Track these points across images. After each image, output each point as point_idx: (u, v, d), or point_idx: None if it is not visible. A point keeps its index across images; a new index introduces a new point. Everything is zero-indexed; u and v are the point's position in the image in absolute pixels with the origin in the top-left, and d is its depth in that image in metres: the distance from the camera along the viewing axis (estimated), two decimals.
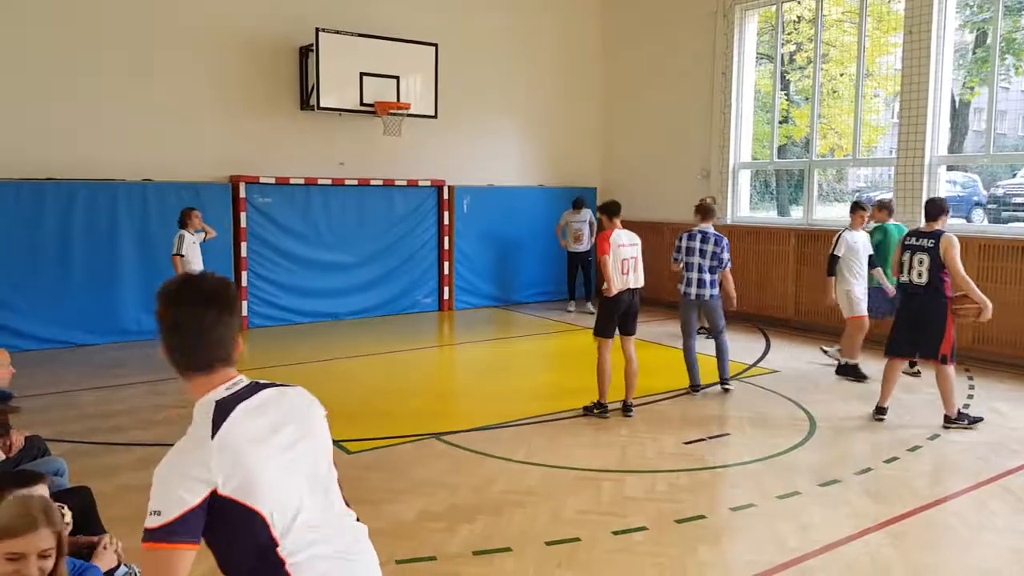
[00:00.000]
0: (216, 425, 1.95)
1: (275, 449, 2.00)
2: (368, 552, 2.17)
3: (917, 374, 8.41)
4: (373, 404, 7.47)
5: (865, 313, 8.33)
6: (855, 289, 8.28)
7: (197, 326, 2.03)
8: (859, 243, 8.28)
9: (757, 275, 11.92)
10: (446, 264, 12.82)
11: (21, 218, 9.36)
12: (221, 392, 2.05)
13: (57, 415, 6.96)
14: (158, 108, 10.40)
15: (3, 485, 2.78)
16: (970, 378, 8.44)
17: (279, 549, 1.93)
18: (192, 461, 1.90)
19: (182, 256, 8.58)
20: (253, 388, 2.11)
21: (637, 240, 7.16)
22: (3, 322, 9.03)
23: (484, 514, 4.85)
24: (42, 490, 2.84)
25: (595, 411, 7.03)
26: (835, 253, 8.22)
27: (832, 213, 15.37)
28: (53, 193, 9.61)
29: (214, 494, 1.86)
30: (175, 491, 1.85)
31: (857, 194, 16.19)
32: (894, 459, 5.90)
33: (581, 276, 12.67)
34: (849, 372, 8.40)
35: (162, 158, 10.45)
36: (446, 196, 12.74)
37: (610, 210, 7.24)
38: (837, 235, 8.32)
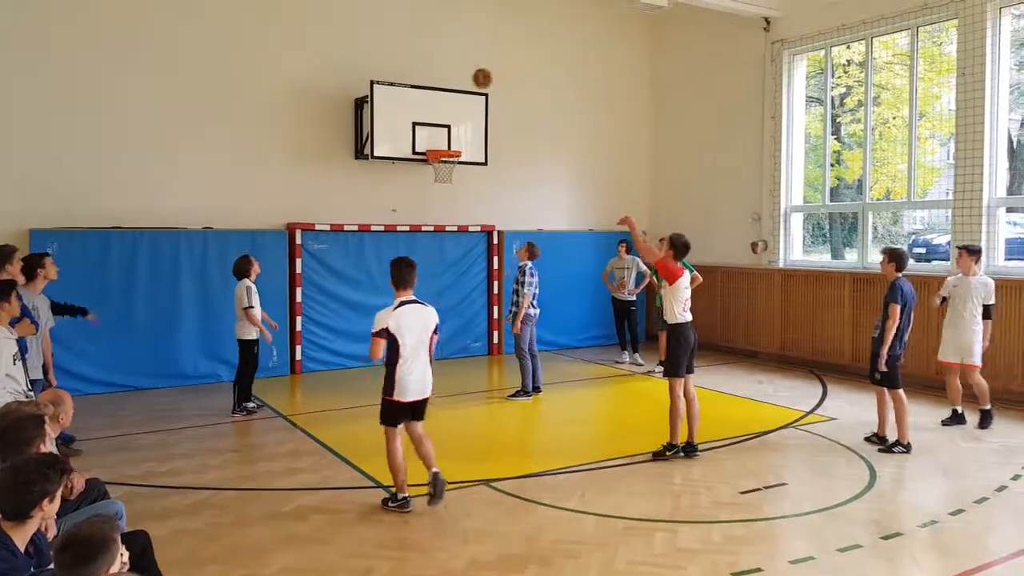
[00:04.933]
0: (396, 308, 5.63)
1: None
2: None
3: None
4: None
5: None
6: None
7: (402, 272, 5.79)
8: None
9: (812, 319, 11.71)
10: (496, 308, 12.87)
11: (88, 265, 9.71)
12: (404, 299, 5.70)
13: (116, 458, 7.11)
14: (218, 158, 10.78)
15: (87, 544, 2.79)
16: None
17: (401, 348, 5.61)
18: (384, 316, 5.61)
19: (253, 308, 8.64)
20: (415, 301, 5.75)
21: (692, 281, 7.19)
22: (67, 366, 9.30)
23: (534, 564, 4.78)
24: (116, 535, 2.87)
25: (667, 453, 6.92)
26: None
27: None
28: (118, 241, 9.97)
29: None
30: (383, 323, 5.58)
31: (914, 237, 15.87)
32: (960, 511, 5.67)
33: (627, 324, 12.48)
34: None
35: (222, 206, 10.79)
36: (496, 241, 12.85)
37: (677, 248, 7.13)
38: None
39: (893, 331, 7.15)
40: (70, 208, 9.82)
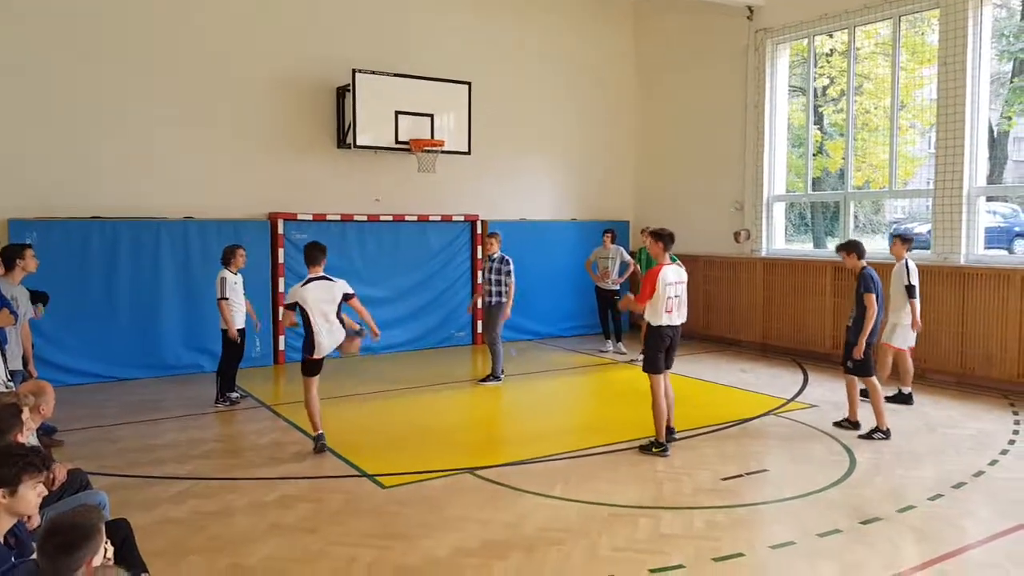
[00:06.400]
0: (303, 284, 6.82)
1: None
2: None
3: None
4: (407, 438, 7.48)
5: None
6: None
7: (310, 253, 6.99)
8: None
9: (793, 308, 11.79)
10: (480, 298, 12.85)
11: (68, 256, 9.62)
12: (312, 276, 6.91)
13: (98, 449, 7.08)
14: (199, 148, 10.69)
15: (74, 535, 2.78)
16: (1015, 412, 8.23)
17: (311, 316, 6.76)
18: (293, 291, 6.81)
19: (227, 299, 8.53)
20: (322, 277, 6.90)
21: (685, 276, 7.04)
22: (48, 357, 9.23)
23: (518, 551, 4.81)
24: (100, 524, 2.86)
25: (653, 450, 6.88)
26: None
27: (870, 245, 15.18)
28: (98, 231, 9.88)
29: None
30: (293, 297, 6.79)
31: (895, 225, 16.01)
32: (938, 496, 5.76)
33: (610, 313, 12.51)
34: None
35: (203, 196, 10.71)
36: (479, 231, 12.84)
37: (665, 240, 6.94)
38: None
39: (872, 320, 7.23)
40: (49, 198, 9.71)
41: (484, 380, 9.91)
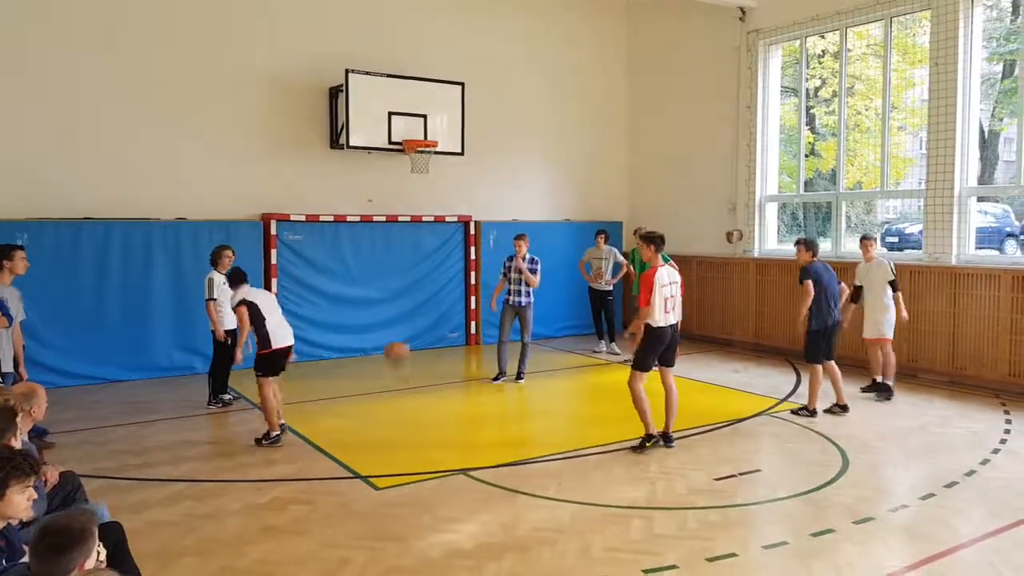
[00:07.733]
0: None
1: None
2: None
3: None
4: (400, 440, 7.47)
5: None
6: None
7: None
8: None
9: (786, 308, 11.81)
10: (473, 299, 12.87)
11: (58, 257, 9.57)
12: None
13: (90, 451, 7.04)
14: (191, 148, 10.66)
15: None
16: (1006, 412, 8.26)
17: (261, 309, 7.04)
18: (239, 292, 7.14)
19: (215, 300, 8.47)
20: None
21: (678, 277, 7.14)
22: (39, 359, 9.17)
23: (512, 551, 4.81)
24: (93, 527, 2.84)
25: (647, 444, 6.91)
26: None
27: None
28: (89, 232, 9.83)
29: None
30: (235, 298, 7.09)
31: (887, 225, 16.07)
32: (930, 496, 5.78)
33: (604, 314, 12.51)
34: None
35: (195, 197, 10.68)
36: (473, 231, 12.83)
37: (656, 242, 7.03)
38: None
39: (806, 306, 7.87)
40: (41, 199, 9.67)
41: (517, 378, 10.04)
